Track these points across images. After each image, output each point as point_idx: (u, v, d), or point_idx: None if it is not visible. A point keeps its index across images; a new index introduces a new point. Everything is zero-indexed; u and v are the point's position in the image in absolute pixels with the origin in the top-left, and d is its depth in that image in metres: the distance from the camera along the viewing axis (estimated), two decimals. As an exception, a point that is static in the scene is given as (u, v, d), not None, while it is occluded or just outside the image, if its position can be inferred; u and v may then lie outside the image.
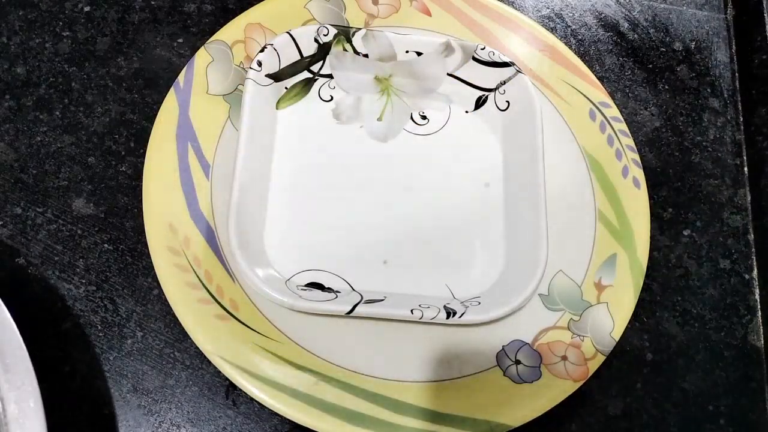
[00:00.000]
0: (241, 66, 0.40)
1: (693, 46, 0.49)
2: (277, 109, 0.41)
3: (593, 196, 0.40)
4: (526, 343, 0.36)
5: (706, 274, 0.42)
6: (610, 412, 0.38)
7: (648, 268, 0.39)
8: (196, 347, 0.35)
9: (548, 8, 0.49)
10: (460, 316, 0.34)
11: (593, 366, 0.36)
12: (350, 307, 0.34)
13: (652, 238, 0.41)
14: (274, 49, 0.39)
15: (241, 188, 0.35)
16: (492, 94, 0.42)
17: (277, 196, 0.38)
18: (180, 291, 0.35)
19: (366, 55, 0.41)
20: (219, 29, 0.41)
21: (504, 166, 0.41)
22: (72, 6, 0.43)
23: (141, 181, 0.37)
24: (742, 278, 0.42)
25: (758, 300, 0.42)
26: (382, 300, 0.36)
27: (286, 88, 0.41)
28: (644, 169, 0.42)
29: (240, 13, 0.42)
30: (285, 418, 0.34)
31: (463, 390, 0.35)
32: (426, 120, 0.42)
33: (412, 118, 0.42)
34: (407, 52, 0.41)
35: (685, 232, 0.43)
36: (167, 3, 0.44)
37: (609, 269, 0.39)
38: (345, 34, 0.41)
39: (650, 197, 0.41)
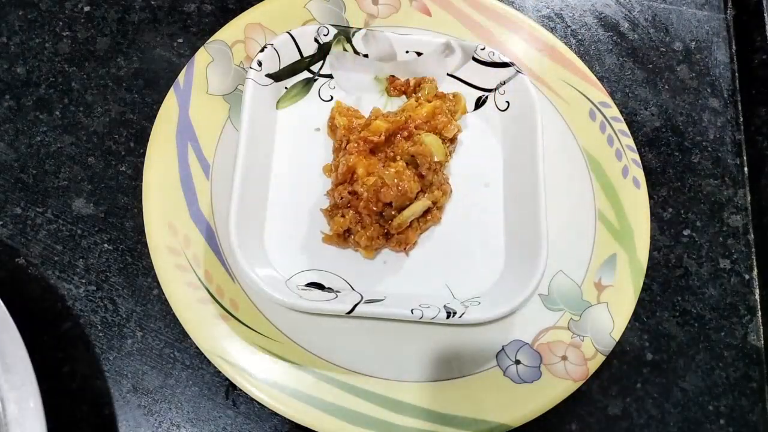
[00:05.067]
0: (241, 66, 0.40)
1: (693, 46, 0.49)
2: (277, 109, 0.41)
3: (593, 196, 0.40)
4: (526, 343, 0.37)
5: (706, 274, 0.42)
6: (610, 412, 0.38)
7: (648, 268, 0.39)
8: (196, 347, 0.35)
9: (548, 8, 0.49)
10: (460, 316, 0.34)
11: (593, 366, 0.36)
12: (350, 307, 0.34)
13: (652, 238, 0.41)
14: (274, 49, 0.39)
15: (241, 188, 0.35)
16: (492, 94, 0.42)
17: (277, 196, 0.38)
18: (180, 291, 0.35)
19: (366, 55, 0.41)
20: (219, 29, 0.41)
21: (504, 166, 0.41)
22: (72, 6, 0.43)
23: (141, 181, 0.37)
24: (742, 278, 0.42)
25: (758, 300, 0.42)
26: (382, 300, 0.36)
27: (286, 88, 0.41)
28: (644, 169, 0.42)
29: (240, 13, 0.42)
30: (285, 418, 0.34)
31: (463, 390, 0.35)
32: (426, 120, 0.42)
33: (412, 118, 0.42)
34: (407, 52, 0.41)
35: (685, 232, 0.43)
36: (167, 3, 0.44)
37: (609, 269, 0.39)
38: (345, 34, 0.41)
39: (650, 197, 0.41)
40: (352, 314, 0.34)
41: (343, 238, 0.37)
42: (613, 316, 0.37)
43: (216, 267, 0.36)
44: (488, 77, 0.41)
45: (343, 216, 0.36)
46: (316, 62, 0.41)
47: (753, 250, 0.43)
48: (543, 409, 0.35)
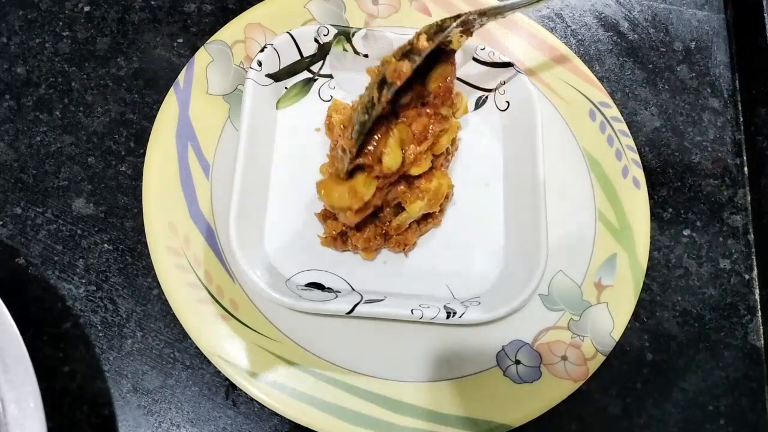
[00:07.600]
0: (241, 66, 0.40)
1: (693, 46, 0.49)
2: (277, 109, 0.41)
3: (593, 196, 0.40)
4: (526, 343, 0.37)
5: (706, 274, 0.42)
6: (610, 412, 0.38)
7: (648, 268, 0.39)
8: (196, 347, 0.35)
9: (548, 8, 0.49)
10: (460, 316, 0.34)
11: (593, 366, 0.36)
12: (350, 307, 0.34)
13: (652, 238, 0.41)
14: (274, 49, 0.39)
15: (241, 188, 0.35)
16: (492, 94, 0.42)
17: (278, 196, 0.38)
18: (180, 291, 0.35)
19: (366, 55, 0.41)
20: (219, 29, 0.41)
21: (504, 166, 0.41)
22: (72, 6, 0.43)
23: (141, 181, 0.37)
24: (742, 278, 0.42)
25: (758, 300, 0.42)
26: (382, 300, 0.36)
27: (286, 88, 0.41)
28: (644, 169, 0.42)
29: (240, 13, 0.42)
30: (285, 418, 0.34)
31: (463, 390, 0.35)
32: (426, 120, 0.42)
33: (412, 118, 0.42)
34: (407, 52, 0.41)
35: (685, 232, 0.43)
36: (167, 3, 0.44)
37: (609, 269, 0.39)
38: (345, 34, 0.41)
39: (650, 197, 0.41)
40: (352, 314, 0.34)
41: (340, 240, 0.37)
42: (613, 316, 0.37)
43: (216, 267, 0.36)
44: (488, 77, 0.41)
45: (335, 219, 0.36)
46: (316, 62, 0.41)
47: (753, 250, 0.43)
48: (543, 409, 0.35)
